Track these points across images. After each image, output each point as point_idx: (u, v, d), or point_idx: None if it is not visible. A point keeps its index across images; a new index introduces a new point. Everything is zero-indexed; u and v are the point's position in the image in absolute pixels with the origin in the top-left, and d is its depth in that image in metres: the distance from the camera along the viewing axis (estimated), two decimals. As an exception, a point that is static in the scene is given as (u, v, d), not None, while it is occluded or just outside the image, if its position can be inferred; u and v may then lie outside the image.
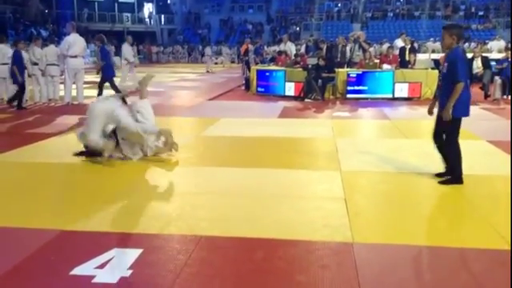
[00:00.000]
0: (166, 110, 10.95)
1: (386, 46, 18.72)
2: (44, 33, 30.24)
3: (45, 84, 11.73)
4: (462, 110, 4.80)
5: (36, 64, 11.58)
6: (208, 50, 26.70)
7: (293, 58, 14.50)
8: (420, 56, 17.32)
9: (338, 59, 13.87)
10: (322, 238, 3.62)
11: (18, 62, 10.81)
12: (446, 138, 4.94)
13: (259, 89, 13.57)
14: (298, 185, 5.03)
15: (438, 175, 5.06)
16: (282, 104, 11.44)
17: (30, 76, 11.77)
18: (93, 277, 2.96)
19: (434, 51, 24.02)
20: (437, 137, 5.02)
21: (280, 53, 14.97)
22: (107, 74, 11.69)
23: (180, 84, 16.53)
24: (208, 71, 24.23)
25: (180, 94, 14.38)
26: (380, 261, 3.26)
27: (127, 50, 15.10)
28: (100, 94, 11.28)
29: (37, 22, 34.74)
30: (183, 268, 3.11)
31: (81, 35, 11.77)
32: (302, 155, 6.34)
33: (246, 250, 3.44)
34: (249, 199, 4.54)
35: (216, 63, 29.37)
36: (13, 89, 11.31)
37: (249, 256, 3.33)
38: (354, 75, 12.35)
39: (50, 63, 11.56)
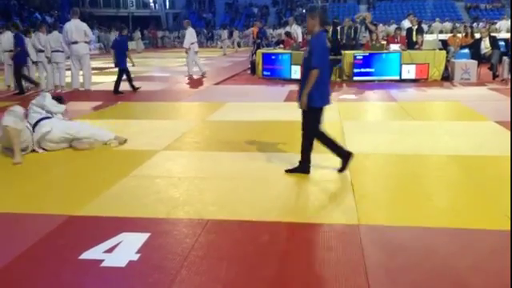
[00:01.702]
0: (171, 95, 10.97)
1: (393, 27, 18.54)
2: (49, 19, 30.20)
3: (51, 71, 11.74)
4: (319, 99, 4.50)
5: (42, 51, 11.58)
6: (224, 34, 27.12)
7: (299, 40, 14.38)
8: (427, 37, 17.11)
9: (344, 41, 13.75)
10: (328, 220, 3.64)
11: (21, 45, 10.89)
12: (303, 128, 4.66)
13: (265, 72, 13.51)
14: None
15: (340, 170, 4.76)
16: (288, 87, 11.39)
17: (34, 63, 11.80)
18: (101, 261, 2.99)
19: (441, 31, 23.74)
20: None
21: (288, 34, 14.87)
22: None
23: (186, 69, 16.43)
24: (225, 54, 25.21)
25: (185, 79, 14.36)
26: (386, 243, 3.27)
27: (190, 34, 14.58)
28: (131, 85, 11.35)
29: (41, 9, 34.68)
30: (190, 251, 3.14)
31: (84, 21, 11.72)
32: (309, 138, 6.32)
33: (252, 233, 3.46)
34: (255, 183, 4.55)
35: (228, 46, 29.47)
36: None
37: (255, 239, 3.35)
38: (361, 57, 12.25)
39: (54, 50, 11.55)
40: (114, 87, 11.08)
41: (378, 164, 5.19)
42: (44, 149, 5.81)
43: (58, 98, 6.49)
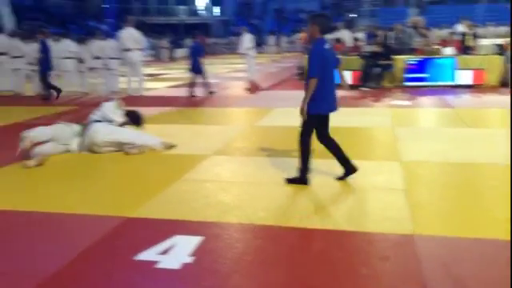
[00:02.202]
0: (220, 101, 11.09)
1: (445, 31, 18.01)
2: (103, 27, 31.32)
3: (106, 77, 12.15)
4: (314, 107, 4.38)
5: (98, 58, 12.00)
6: (271, 40, 27.41)
7: (349, 45, 14.23)
8: (483, 41, 16.50)
9: (395, 46, 13.48)
10: (381, 229, 3.55)
11: (45, 52, 11.16)
12: (299, 134, 4.57)
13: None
14: (355, 175, 4.94)
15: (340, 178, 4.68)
16: (338, 93, 11.22)
17: (90, 69, 12.26)
18: (156, 262, 3.05)
19: (497, 36, 22.83)
20: (319, 137, 4.66)
21: (337, 40, 14.75)
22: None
23: (235, 75, 16.64)
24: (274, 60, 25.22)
25: (234, 85, 14.49)
26: (443, 253, 3.15)
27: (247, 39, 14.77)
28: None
29: (96, 17, 36.04)
30: (242, 256, 3.15)
31: (137, 28, 12.06)
32: (359, 145, 6.23)
33: (303, 240, 3.43)
34: (304, 190, 4.51)
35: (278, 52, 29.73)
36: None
37: (307, 246, 3.32)
38: (413, 62, 11.97)
39: (109, 57, 11.95)
40: (190, 92, 11.44)
41: (432, 172, 5.03)
42: (92, 151, 6.01)
43: (130, 112, 6.58)
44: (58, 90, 11.49)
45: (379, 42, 12.67)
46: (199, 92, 11.62)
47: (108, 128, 6.12)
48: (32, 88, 12.34)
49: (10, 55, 12.15)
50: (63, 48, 12.20)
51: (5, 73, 12.39)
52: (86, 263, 3.11)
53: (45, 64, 11.20)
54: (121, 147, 6.02)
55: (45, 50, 11.18)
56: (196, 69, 11.45)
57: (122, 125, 6.29)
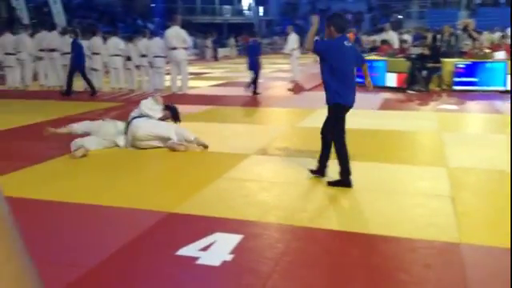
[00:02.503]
0: (262, 101, 11.11)
1: (497, 34, 17.39)
2: (150, 26, 32.01)
3: (152, 75, 12.40)
4: (331, 97, 4.55)
5: (144, 56, 12.27)
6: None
7: (396, 47, 13.97)
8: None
9: (444, 49, 13.12)
10: (425, 236, 3.46)
11: (77, 51, 11.47)
12: (333, 139, 4.65)
13: (358, 79, 13.22)
14: (399, 180, 4.85)
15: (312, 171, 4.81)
16: (383, 95, 11.08)
17: (137, 67, 12.55)
18: (197, 258, 3.08)
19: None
20: (324, 129, 4.77)
21: (384, 42, 14.51)
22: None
23: (278, 75, 16.62)
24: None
25: (278, 85, 14.49)
26: (490, 264, 3.04)
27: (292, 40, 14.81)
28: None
29: (144, 16, 36.86)
30: (282, 256, 3.13)
31: (182, 27, 12.23)
32: (404, 149, 6.10)
33: (344, 243, 3.39)
34: (347, 192, 4.45)
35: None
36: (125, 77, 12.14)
37: (347, 250, 3.28)
38: (462, 66, 11.61)
39: (155, 55, 12.18)
40: (253, 90, 11.70)
41: (479, 179, 4.86)
42: (136, 147, 6.14)
43: (169, 107, 6.71)
44: (69, 90, 11.77)
45: (427, 45, 12.35)
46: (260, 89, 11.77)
47: (148, 122, 6.26)
48: (83, 84, 12.74)
49: (61, 52, 12.58)
50: (112, 46, 12.52)
51: (55, 69, 12.84)
52: (129, 256, 3.18)
53: (77, 61, 11.58)
54: (162, 141, 6.14)
55: (76, 49, 11.58)
56: (254, 67, 11.61)
57: (160, 119, 6.41)
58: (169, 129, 6.25)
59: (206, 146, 6.16)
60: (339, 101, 4.56)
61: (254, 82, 11.70)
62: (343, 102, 4.57)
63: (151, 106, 6.48)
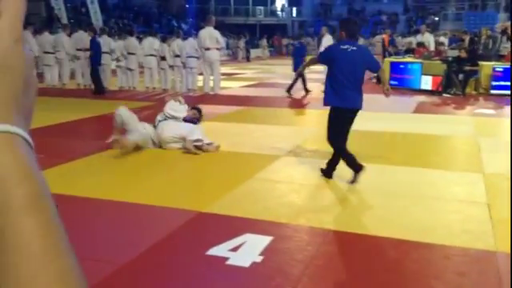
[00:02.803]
0: (294, 102, 11.08)
1: (539, 37, 16.82)
2: (184, 26, 32.36)
3: (185, 75, 12.53)
4: (327, 99, 4.75)
5: (178, 56, 12.40)
6: (361, 41, 27.33)
7: (432, 49, 13.70)
8: None
9: (481, 51, 12.80)
10: (460, 243, 3.37)
11: (95, 49, 11.67)
12: (333, 146, 4.86)
13: (392, 82, 13.02)
14: (433, 185, 4.74)
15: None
16: (417, 98, 10.88)
17: (171, 67, 12.70)
18: (227, 259, 3.09)
19: None
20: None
21: (420, 44, 14.25)
22: None
23: (311, 76, 16.46)
24: None
25: (311, 87, 14.40)
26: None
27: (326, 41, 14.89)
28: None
29: (178, 16, 37.31)
30: (312, 260, 3.11)
31: (216, 28, 12.30)
32: (439, 154, 5.96)
33: (376, 248, 3.33)
34: (380, 197, 4.39)
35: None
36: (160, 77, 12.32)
37: (380, 255, 3.23)
38: (501, 69, 11.28)
39: (189, 55, 12.30)
40: (305, 90, 11.88)
41: (518, 187, 4.70)
42: (164, 148, 6.19)
43: (195, 107, 6.78)
44: (102, 88, 12.03)
45: (465, 47, 12.06)
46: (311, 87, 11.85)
47: (173, 124, 6.29)
48: (119, 82, 13.00)
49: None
50: (147, 46, 12.72)
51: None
52: (160, 254, 3.21)
53: (95, 60, 11.81)
54: (185, 142, 6.12)
55: (95, 47, 11.80)
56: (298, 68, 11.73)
57: (188, 120, 6.44)
58: (193, 130, 6.22)
59: (218, 147, 6.15)
60: (335, 103, 4.66)
61: (304, 81, 11.79)
62: (340, 105, 4.64)
63: (175, 108, 6.53)
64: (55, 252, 0.37)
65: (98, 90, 11.89)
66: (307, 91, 11.84)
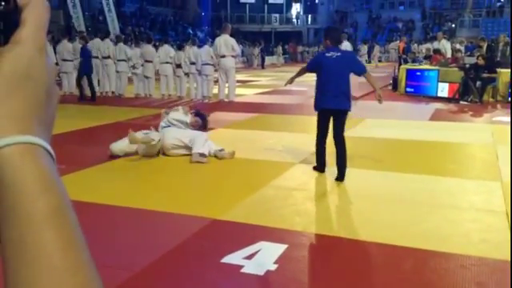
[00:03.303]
0: (308, 109, 11.03)
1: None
2: (200, 34, 32.59)
3: (200, 82, 12.59)
4: (315, 104, 5.14)
5: (193, 63, 12.49)
6: (377, 48, 27.43)
7: (448, 56, 13.58)
8: None
9: (499, 59, 12.65)
10: (478, 253, 3.32)
11: (85, 57, 11.88)
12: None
13: (408, 89, 12.96)
14: (450, 193, 4.69)
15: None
16: (434, 106, 10.78)
17: (186, 74, 12.79)
18: (241, 267, 3.08)
19: None
20: (333, 136, 5.26)
21: (436, 51, 14.13)
22: None
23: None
24: (376, 66, 25.49)
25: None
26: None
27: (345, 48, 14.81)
28: None
29: (194, 24, 37.60)
30: (326, 269, 3.09)
31: (231, 36, 12.35)
32: (456, 162, 5.90)
33: (393, 258, 3.30)
34: (396, 205, 4.35)
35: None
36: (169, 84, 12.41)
37: (397, 265, 3.19)
38: (519, 76, 11.13)
39: (204, 63, 12.37)
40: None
41: (538, 196, 4.62)
42: (166, 155, 6.18)
43: (199, 114, 6.77)
44: (86, 95, 12.14)
45: (482, 54, 11.94)
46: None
47: (178, 132, 6.27)
48: (135, 89, 13.12)
49: (115, 59, 13.01)
50: (163, 53, 12.83)
51: (109, 75, 13.29)
52: (175, 261, 3.22)
53: (85, 68, 11.95)
54: (189, 150, 6.09)
55: (85, 55, 11.97)
56: None
57: (190, 127, 6.43)
58: (195, 138, 6.13)
59: (233, 154, 6.12)
60: (321, 106, 5.05)
61: None
62: (323, 107, 5.04)
63: (178, 116, 6.53)
64: (76, 265, 0.37)
65: (85, 97, 12.04)
66: None
